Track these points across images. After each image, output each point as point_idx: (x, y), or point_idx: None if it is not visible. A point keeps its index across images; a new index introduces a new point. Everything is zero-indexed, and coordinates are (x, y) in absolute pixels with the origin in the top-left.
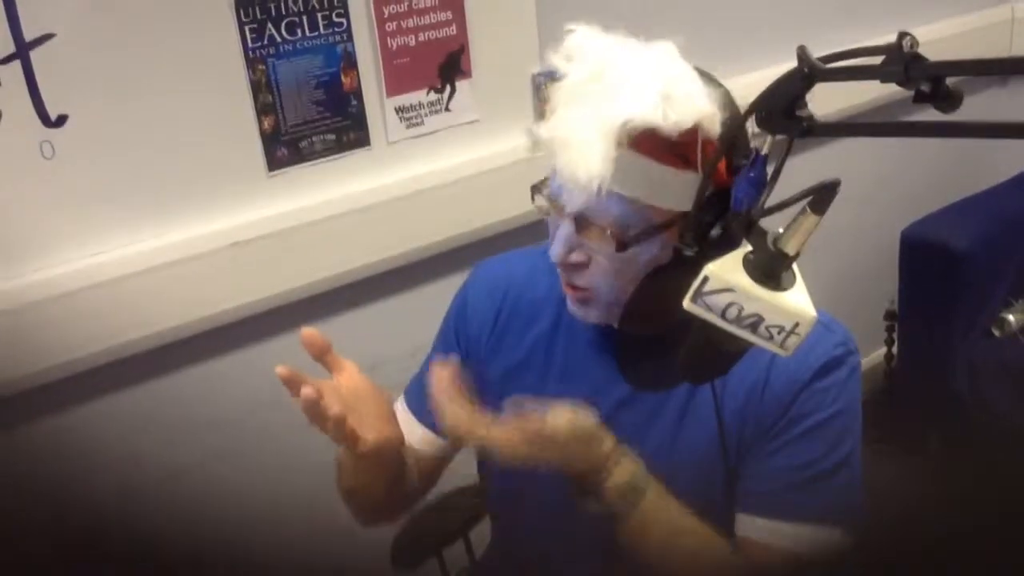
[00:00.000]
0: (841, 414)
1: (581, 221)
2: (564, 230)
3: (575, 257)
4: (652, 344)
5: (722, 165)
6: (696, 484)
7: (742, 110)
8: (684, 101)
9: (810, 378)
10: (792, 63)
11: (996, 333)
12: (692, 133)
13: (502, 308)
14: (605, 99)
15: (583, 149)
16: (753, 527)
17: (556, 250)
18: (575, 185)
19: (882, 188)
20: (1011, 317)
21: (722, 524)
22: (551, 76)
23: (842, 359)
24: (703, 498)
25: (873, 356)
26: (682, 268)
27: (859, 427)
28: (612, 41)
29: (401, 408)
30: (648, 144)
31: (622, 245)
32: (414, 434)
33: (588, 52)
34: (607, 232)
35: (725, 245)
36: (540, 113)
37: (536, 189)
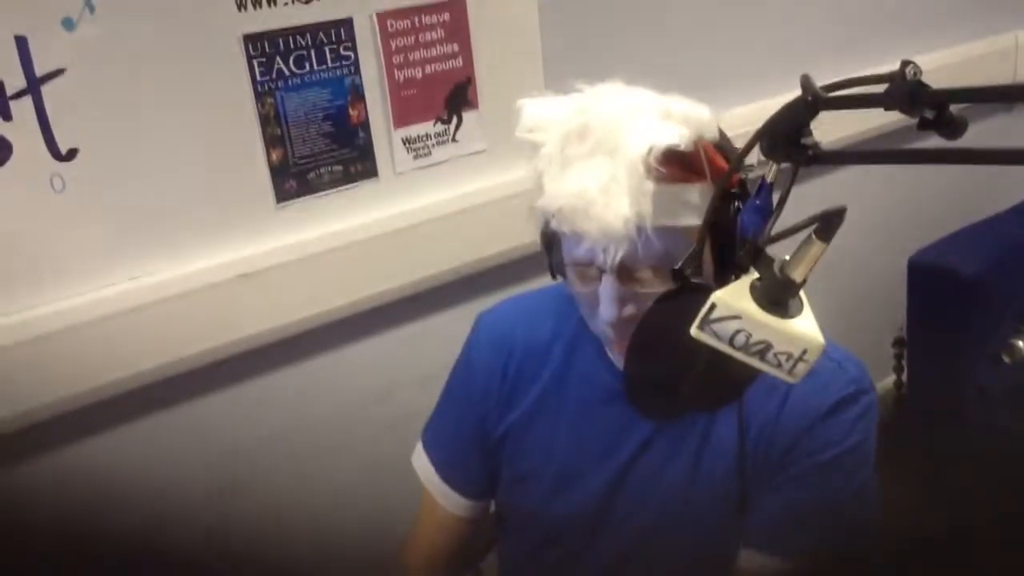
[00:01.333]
0: (848, 454)
1: (623, 272)
2: (610, 287)
3: (629, 311)
4: (661, 377)
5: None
6: (714, 521)
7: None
8: (684, 115)
9: (819, 417)
10: (796, 92)
11: (1006, 359)
12: (696, 143)
13: (509, 362)
14: (610, 144)
15: (612, 198)
16: (755, 562)
17: (610, 312)
18: (612, 237)
19: (889, 214)
20: (1021, 343)
21: (733, 556)
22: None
23: (853, 398)
24: (720, 532)
25: (883, 383)
26: (688, 295)
27: (870, 467)
28: (569, 100)
29: (433, 475)
30: (668, 168)
31: (677, 272)
32: (457, 504)
33: (554, 116)
34: (655, 272)
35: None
36: (537, 188)
37: (562, 268)
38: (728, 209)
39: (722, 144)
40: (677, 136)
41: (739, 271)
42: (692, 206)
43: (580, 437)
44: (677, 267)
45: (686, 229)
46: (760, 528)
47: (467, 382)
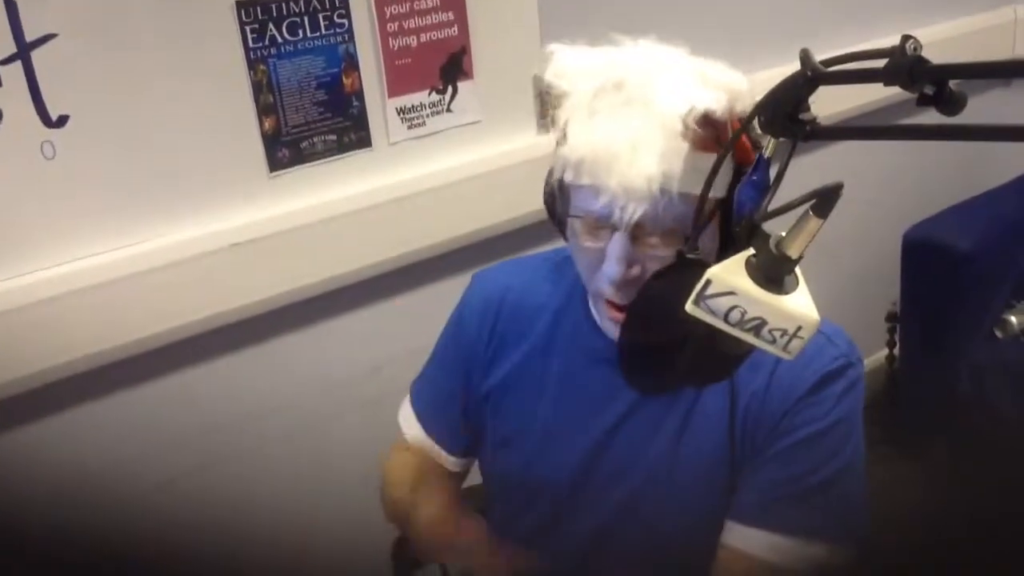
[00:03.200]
0: (835, 427)
1: (636, 232)
2: (621, 246)
3: (635, 272)
4: (654, 352)
5: (747, 142)
6: (699, 493)
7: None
8: (720, 81)
9: (806, 391)
10: (794, 66)
11: (998, 335)
12: (730, 114)
13: (496, 323)
14: (646, 97)
15: (639, 154)
16: (737, 536)
17: (617, 269)
18: (632, 195)
19: (884, 190)
20: (1013, 319)
21: (718, 530)
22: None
23: (840, 372)
24: (705, 508)
25: (875, 358)
26: (684, 270)
27: (859, 442)
28: (605, 51)
29: (415, 426)
30: (702, 132)
31: (688, 241)
32: (440, 456)
33: (587, 66)
34: (667, 235)
35: (728, 248)
36: (559, 136)
37: (565, 218)
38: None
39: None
40: (715, 101)
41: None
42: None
43: (564, 401)
44: (688, 236)
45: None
46: (747, 502)
47: (455, 339)
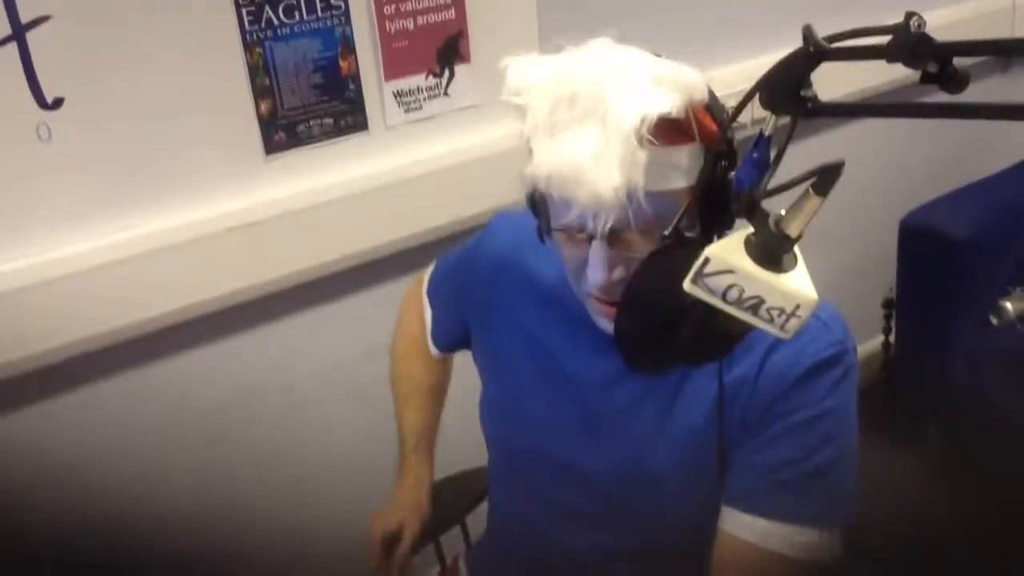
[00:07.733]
0: (829, 414)
1: (612, 237)
2: (600, 253)
3: (618, 274)
4: (652, 332)
5: (715, 128)
6: (687, 467)
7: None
8: (675, 80)
9: (800, 376)
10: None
11: (994, 322)
12: (687, 108)
13: (498, 279)
14: (600, 111)
15: (602, 165)
16: (733, 521)
17: (599, 277)
18: (602, 205)
19: (882, 175)
20: (1009, 306)
21: (714, 511)
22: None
23: (836, 359)
24: (694, 482)
25: (871, 344)
26: (681, 249)
27: (852, 430)
28: (554, 61)
29: (425, 299)
30: (657, 132)
31: (666, 238)
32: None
33: (540, 80)
34: (643, 235)
35: (726, 225)
36: (526, 151)
37: (546, 232)
38: (715, 169)
39: (711, 105)
40: (669, 104)
41: (723, 229)
42: (680, 169)
43: (554, 365)
44: (666, 232)
45: (675, 191)
46: (740, 487)
47: (456, 276)
